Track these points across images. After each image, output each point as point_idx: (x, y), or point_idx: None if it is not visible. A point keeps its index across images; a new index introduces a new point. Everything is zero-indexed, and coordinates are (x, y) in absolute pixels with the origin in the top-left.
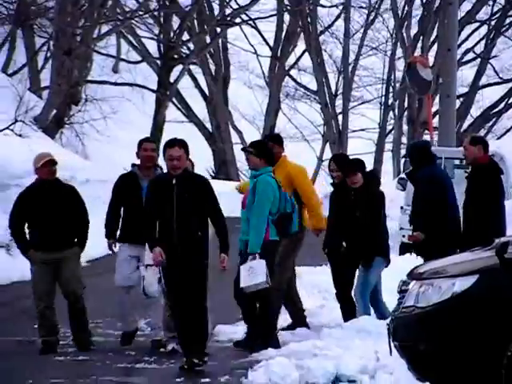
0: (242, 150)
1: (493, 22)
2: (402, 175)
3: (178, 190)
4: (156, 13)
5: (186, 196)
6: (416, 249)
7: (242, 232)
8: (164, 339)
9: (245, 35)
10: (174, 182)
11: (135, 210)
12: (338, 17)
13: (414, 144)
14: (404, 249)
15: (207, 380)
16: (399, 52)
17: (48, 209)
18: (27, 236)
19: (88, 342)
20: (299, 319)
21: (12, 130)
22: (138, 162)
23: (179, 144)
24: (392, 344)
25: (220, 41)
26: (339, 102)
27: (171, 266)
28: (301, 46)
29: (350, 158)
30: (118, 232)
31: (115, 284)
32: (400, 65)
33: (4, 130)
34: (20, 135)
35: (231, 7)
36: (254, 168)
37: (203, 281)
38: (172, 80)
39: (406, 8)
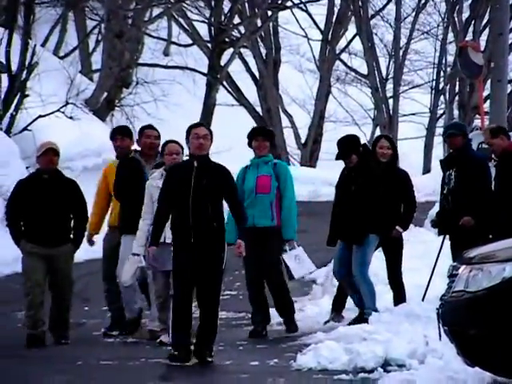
0: (255, 136)
1: None
2: None
3: (197, 172)
4: None
5: (205, 182)
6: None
7: (255, 217)
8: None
9: (296, 19)
10: (195, 164)
11: (139, 197)
12: (389, 0)
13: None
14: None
15: (256, 363)
16: (450, 36)
17: (44, 201)
18: (22, 226)
19: (64, 337)
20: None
21: (63, 113)
22: (138, 148)
23: (204, 125)
24: (441, 329)
25: (271, 24)
26: (390, 86)
27: (183, 252)
28: (352, 29)
29: (344, 137)
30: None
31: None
32: (451, 49)
33: (55, 112)
34: (71, 117)
35: None
36: (265, 154)
37: (218, 274)
38: (223, 63)
39: None
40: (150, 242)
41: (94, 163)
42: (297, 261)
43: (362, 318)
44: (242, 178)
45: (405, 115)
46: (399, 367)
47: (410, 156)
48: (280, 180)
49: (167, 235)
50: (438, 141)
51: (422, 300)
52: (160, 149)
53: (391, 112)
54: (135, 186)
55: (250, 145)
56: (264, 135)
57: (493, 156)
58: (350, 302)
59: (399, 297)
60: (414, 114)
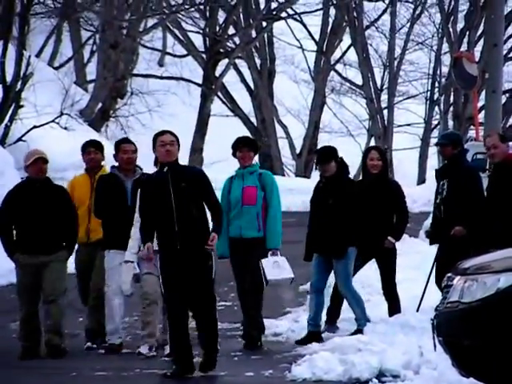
0: (239, 146)
1: None
2: None
3: (173, 178)
4: (202, 6)
5: (183, 185)
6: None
7: (242, 228)
8: (160, 342)
9: (290, 29)
10: (166, 170)
11: (122, 212)
12: (384, 11)
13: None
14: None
15: (251, 374)
16: (445, 47)
17: (35, 209)
18: (14, 236)
19: (59, 348)
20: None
21: (58, 123)
22: (116, 164)
23: (170, 132)
24: (436, 339)
25: (266, 35)
26: (384, 96)
27: (170, 261)
28: (346, 40)
29: (323, 146)
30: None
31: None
32: (446, 60)
33: (50, 122)
34: (65, 128)
35: (277, 1)
36: (249, 164)
37: (209, 275)
38: (217, 74)
39: (453, 3)
40: (142, 240)
41: None
42: (275, 266)
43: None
44: (228, 188)
45: (400, 126)
46: (394, 378)
47: (404, 166)
48: (266, 190)
49: None
50: (432, 151)
51: (417, 310)
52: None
53: (386, 122)
54: (116, 202)
55: (234, 155)
56: (248, 145)
57: (487, 167)
58: (343, 312)
59: (393, 308)
60: (408, 125)
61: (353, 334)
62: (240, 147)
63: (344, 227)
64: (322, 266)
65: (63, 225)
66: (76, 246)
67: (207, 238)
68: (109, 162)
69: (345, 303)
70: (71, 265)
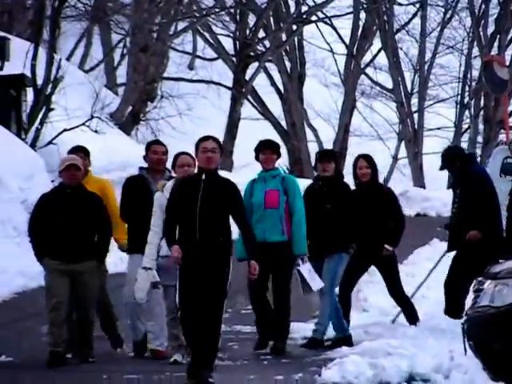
0: (262, 149)
1: None
2: None
3: (205, 186)
4: (232, 10)
5: (212, 196)
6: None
7: (266, 231)
8: (170, 348)
9: (321, 33)
10: (203, 177)
11: (147, 215)
12: (414, 15)
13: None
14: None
15: (281, 377)
16: (475, 51)
17: (67, 216)
18: (45, 241)
19: (89, 355)
20: None
21: (88, 126)
22: (145, 165)
23: (213, 138)
24: (466, 343)
25: (296, 38)
26: (415, 100)
27: (189, 268)
28: (377, 44)
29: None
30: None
31: (132, 298)
32: (476, 63)
33: (80, 125)
34: (96, 131)
35: (307, 5)
36: (269, 168)
37: (223, 289)
38: (247, 77)
39: (483, 7)
40: (168, 243)
41: (119, 177)
42: (311, 274)
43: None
44: (250, 191)
45: (430, 129)
46: (424, 382)
47: (434, 171)
48: (289, 194)
49: None
50: None
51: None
52: (172, 160)
53: (416, 126)
54: (142, 205)
55: (257, 158)
56: (271, 148)
57: None
58: (373, 316)
59: (409, 311)
60: (438, 129)
61: (307, 344)
62: (262, 150)
63: (340, 231)
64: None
65: (95, 233)
66: None
67: (228, 252)
68: (138, 163)
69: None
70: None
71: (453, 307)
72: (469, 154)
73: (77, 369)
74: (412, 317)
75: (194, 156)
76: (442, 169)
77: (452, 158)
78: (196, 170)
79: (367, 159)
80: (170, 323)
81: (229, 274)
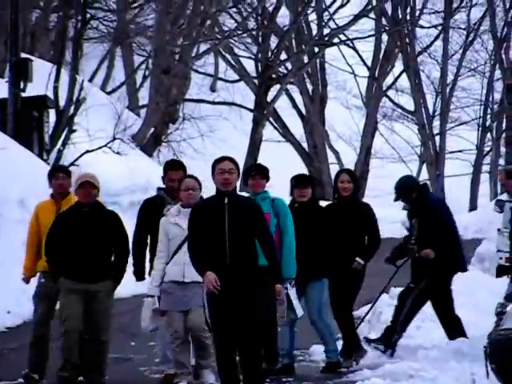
0: (252, 174)
1: None
2: (500, 197)
3: (230, 210)
4: (254, 32)
5: (239, 219)
6: None
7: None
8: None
9: (343, 55)
10: (225, 201)
11: None
12: (436, 37)
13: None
14: (501, 271)
15: None
16: (498, 73)
17: (84, 235)
18: (61, 261)
19: (99, 382)
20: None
21: (110, 148)
22: (163, 185)
23: (229, 158)
24: (489, 366)
25: (318, 60)
26: (436, 122)
27: (221, 294)
28: (399, 66)
29: (299, 173)
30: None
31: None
32: (498, 86)
33: (102, 147)
34: (118, 153)
35: (329, 27)
36: (258, 192)
37: (256, 310)
38: (269, 99)
39: (505, 29)
40: (199, 270)
41: (141, 198)
42: (296, 299)
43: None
44: None
45: (451, 152)
46: None
47: (456, 193)
48: (280, 217)
49: (186, 274)
50: (484, 178)
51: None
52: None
53: (438, 149)
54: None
55: (246, 183)
56: (261, 174)
57: None
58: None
59: (348, 330)
60: (460, 151)
61: (325, 368)
62: (252, 175)
63: (320, 255)
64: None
65: (112, 252)
66: (38, 275)
67: (256, 272)
68: (159, 185)
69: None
70: (125, 290)
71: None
72: (424, 185)
73: None
74: (350, 338)
75: (199, 180)
76: (396, 200)
77: (409, 189)
78: (215, 192)
79: (350, 174)
80: (176, 350)
81: (260, 295)
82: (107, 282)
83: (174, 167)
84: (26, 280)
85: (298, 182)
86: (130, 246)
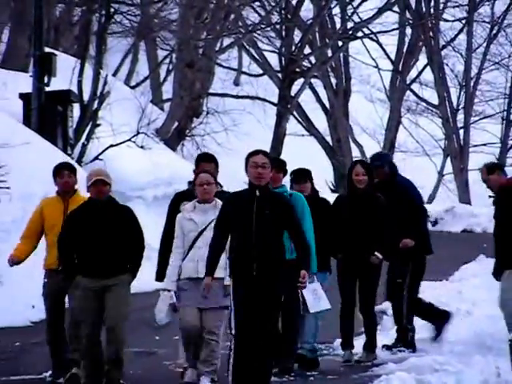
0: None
1: None
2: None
3: (259, 203)
4: (278, 26)
5: (267, 212)
6: None
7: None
8: (184, 365)
9: (366, 49)
10: (257, 193)
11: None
12: (460, 31)
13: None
14: None
15: None
16: None
17: (98, 231)
18: (75, 258)
19: (118, 377)
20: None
21: (134, 142)
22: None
23: (263, 152)
24: None
25: (341, 54)
26: (461, 116)
27: (243, 288)
28: (422, 59)
29: (299, 167)
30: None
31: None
32: None
33: (126, 141)
34: (142, 147)
35: (353, 21)
36: (275, 186)
37: (277, 304)
38: (293, 93)
39: None
40: (206, 272)
41: (165, 192)
42: (314, 295)
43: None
44: None
45: (475, 145)
46: None
47: (480, 187)
48: (297, 211)
49: (199, 270)
50: (509, 171)
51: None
52: (193, 178)
53: (462, 142)
54: None
55: None
56: (277, 167)
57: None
58: (419, 331)
59: (370, 336)
60: (484, 145)
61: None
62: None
63: (323, 248)
64: None
65: (128, 246)
66: (44, 272)
67: (282, 266)
68: (184, 179)
69: None
70: (149, 284)
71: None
72: (395, 165)
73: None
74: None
75: (214, 174)
76: (375, 167)
77: (391, 163)
78: (248, 186)
79: (365, 166)
80: (187, 346)
81: (283, 291)
82: (124, 275)
83: (206, 159)
84: (12, 261)
85: (296, 177)
86: (144, 241)
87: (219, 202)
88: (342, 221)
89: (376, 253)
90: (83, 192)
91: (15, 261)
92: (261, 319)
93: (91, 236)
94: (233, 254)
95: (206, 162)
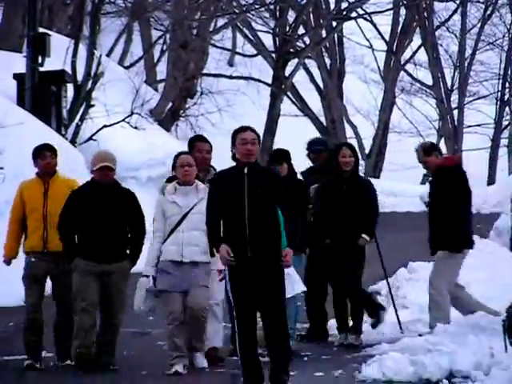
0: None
1: None
2: None
3: (249, 180)
4: (272, 6)
5: (259, 190)
6: None
7: None
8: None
9: (360, 29)
10: (245, 171)
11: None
12: (454, 11)
13: None
14: None
15: (321, 374)
16: None
17: (99, 214)
18: (75, 240)
19: (110, 363)
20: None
21: (128, 123)
22: None
23: (251, 129)
24: (507, 340)
25: (336, 35)
26: (455, 97)
27: (242, 266)
28: (417, 40)
29: (276, 148)
30: None
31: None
32: None
33: (120, 122)
34: (136, 127)
35: (347, 1)
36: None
37: (281, 285)
38: (287, 74)
39: None
40: (213, 243)
41: (159, 173)
42: (287, 280)
43: None
44: None
45: (470, 126)
46: (464, 379)
47: (474, 167)
48: None
49: (184, 253)
50: (502, 152)
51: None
52: (173, 160)
53: (456, 123)
54: None
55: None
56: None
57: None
58: (414, 313)
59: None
60: (479, 125)
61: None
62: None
63: (296, 232)
64: None
65: (128, 231)
66: (25, 256)
67: (279, 246)
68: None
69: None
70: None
71: None
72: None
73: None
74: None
75: (209, 155)
76: (313, 152)
77: (328, 147)
78: (235, 164)
79: (351, 148)
80: (171, 332)
81: (283, 268)
82: (123, 262)
83: (202, 139)
84: (7, 262)
85: (273, 158)
86: (145, 226)
87: (200, 185)
88: (329, 205)
89: (363, 235)
90: (68, 173)
91: (11, 260)
92: (266, 300)
93: (93, 218)
94: (225, 236)
95: (202, 142)
